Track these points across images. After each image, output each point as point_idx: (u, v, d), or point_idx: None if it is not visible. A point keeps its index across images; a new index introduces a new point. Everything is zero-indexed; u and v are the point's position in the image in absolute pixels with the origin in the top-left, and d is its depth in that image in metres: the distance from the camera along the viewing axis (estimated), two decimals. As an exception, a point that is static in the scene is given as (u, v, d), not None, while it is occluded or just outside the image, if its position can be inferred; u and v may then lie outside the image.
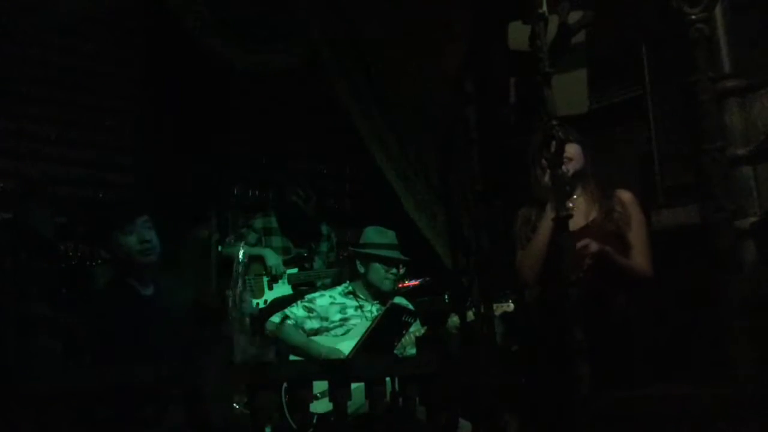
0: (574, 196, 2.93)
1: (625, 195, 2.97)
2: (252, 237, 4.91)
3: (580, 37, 2.45)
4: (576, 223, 2.88)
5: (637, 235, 2.88)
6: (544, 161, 2.75)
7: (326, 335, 3.84)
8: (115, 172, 5.21)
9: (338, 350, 3.72)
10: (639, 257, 2.86)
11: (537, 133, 2.67)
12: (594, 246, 2.74)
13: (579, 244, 2.67)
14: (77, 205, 4.87)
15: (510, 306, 3.74)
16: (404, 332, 3.72)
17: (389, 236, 4.05)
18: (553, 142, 2.22)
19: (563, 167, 2.73)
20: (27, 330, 3.56)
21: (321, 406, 3.29)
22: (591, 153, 2.99)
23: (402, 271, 4.16)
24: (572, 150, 2.87)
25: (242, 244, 4.72)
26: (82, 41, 5.13)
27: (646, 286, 2.86)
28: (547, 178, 2.78)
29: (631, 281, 2.84)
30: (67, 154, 5.02)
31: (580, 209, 2.92)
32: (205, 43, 4.62)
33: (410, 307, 3.90)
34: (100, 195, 5.07)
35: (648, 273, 2.85)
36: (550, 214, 2.67)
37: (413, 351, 3.52)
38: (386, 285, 3.95)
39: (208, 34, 4.59)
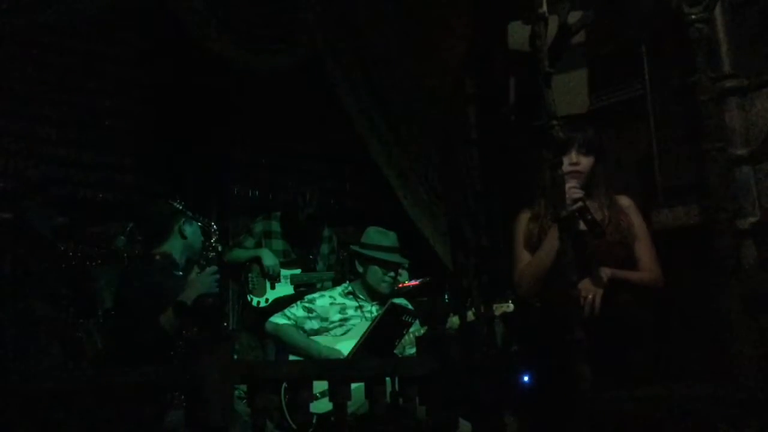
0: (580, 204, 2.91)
1: (625, 200, 2.97)
2: (250, 242, 4.92)
3: (580, 37, 2.45)
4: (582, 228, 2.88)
5: (643, 241, 2.89)
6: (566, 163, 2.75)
7: (326, 335, 3.84)
8: (115, 173, 5.21)
9: (337, 350, 3.72)
10: (648, 263, 2.86)
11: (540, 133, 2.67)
12: (603, 280, 2.72)
13: (587, 297, 2.67)
14: (77, 205, 4.88)
15: (510, 306, 3.74)
16: (404, 332, 3.72)
17: (391, 238, 4.05)
18: (553, 142, 2.22)
19: (573, 181, 2.74)
20: (27, 330, 3.56)
21: (321, 406, 3.29)
22: (604, 160, 2.99)
23: (401, 276, 4.16)
24: (585, 163, 2.88)
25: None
26: (82, 41, 5.14)
27: (657, 290, 2.86)
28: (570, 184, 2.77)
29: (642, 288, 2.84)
30: (67, 154, 5.03)
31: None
32: (205, 43, 4.62)
33: (410, 307, 3.90)
34: (100, 195, 5.07)
35: (660, 281, 2.85)
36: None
37: (413, 351, 3.52)
38: (383, 288, 3.94)
39: (208, 34, 4.59)
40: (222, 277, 3.37)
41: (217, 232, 3.60)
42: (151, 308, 3.05)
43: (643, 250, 2.88)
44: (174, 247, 3.35)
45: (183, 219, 3.39)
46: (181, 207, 3.38)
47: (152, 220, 3.40)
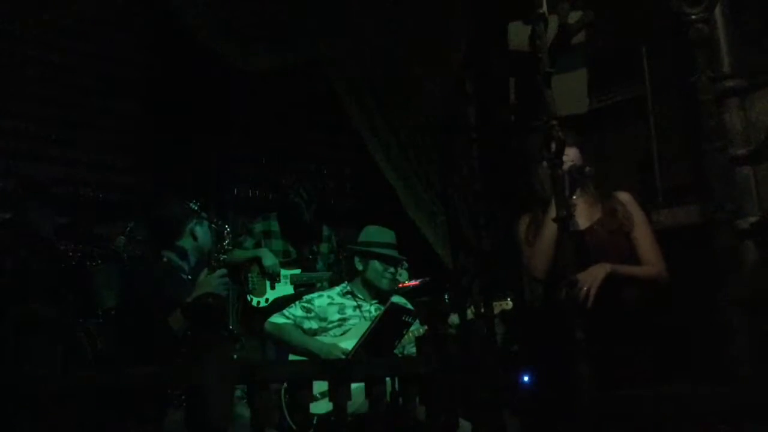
0: (574, 197, 2.92)
1: (624, 195, 2.97)
2: (249, 243, 4.92)
3: (580, 37, 2.45)
4: (579, 224, 2.89)
5: (642, 233, 2.87)
6: (545, 161, 2.75)
7: (325, 335, 3.84)
8: (116, 173, 5.21)
9: (339, 346, 3.72)
10: (649, 255, 2.85)
11: (537, 133, 2.67)
12: (602, 273, 2.72)
13: (583, 288, 2.66)
14: (77, 205, 4.88)
15: (509, 304, 3.74)
16: (404, 332, 3.72)
17: (389, 235, 4.06)
18: (553, 142, 2.22)
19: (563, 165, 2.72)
20: (27, 330, 3.56)
21: (321, 407, 3.28)
22: (588, 155, 2.99)
23: (401, 275, 4.16)
24: (570, 153, 2.87)
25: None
26: (83, 41, 5.14)
27: (661, 285, 2.85)
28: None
29: (647, 283, 2.83)
30: (67, 154, 5.02)
31: (581, 210, 2.92)
32: (205, 43, 4.62)
33: (409, 306, 3.90)
34: (100, 195, 5.07)
35: (663, 272, 2.84)
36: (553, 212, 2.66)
37: (413, 350, 3.53)
38: (384, 283, 3.95)
39: (208, 35, 4.59)
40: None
41: (230, 234, 3.61)
42: (159, 309, 3.05)
43: (645, 243, 2.87)
44: (185, 248, 3.34)
45: (195, 220, 3.37)
46: (195, 207, 3.36)
47: (165, 221, 3.38)
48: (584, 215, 2.93)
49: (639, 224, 2.89)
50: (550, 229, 2.77)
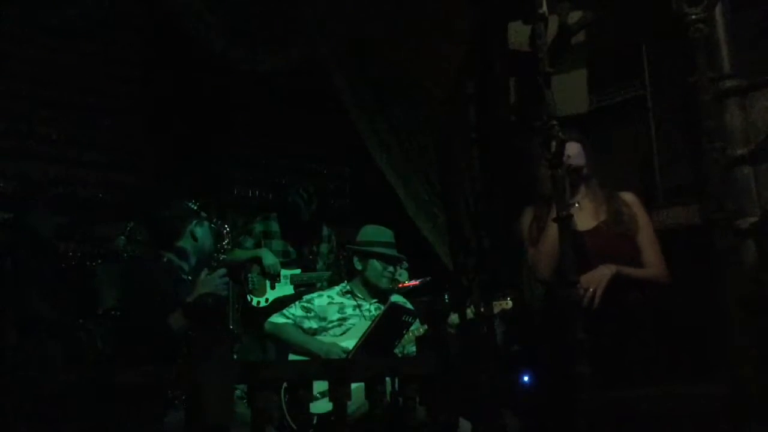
0: (578, 196, 2.92)
1: (628, 196, 2.97)
2: (249, 243, 4.93)
3: (580, 37, 2.45)
4: (585, 223, 2.89)
5: (646, 235, 2.89)
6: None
7: (325, 335, 3.84)
8: (116, 173, 5.22)
9: (339, 345, 3.72)
10: (652, 258, 2.85)
11: (539, 132, 2.67)
12: (607, 275, 2.72)
13: (588, 289, 2.66)
14: (77, 205, 4.88)
15: (508, 303, 3.74)
16: (404, 332, 3.72)
17: (387, 234, 4.06)
18: (553, 142, 2.22)
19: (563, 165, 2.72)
20: (27, 330, 3.57)
21: (321, 406, 3.29)
22: (592, 153, 2.99)
23: (401, 275, 4.16)
24: (572, 149, 2.87)
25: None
26: (84, 42, 5.14)
27: (664, 287, 2.85)
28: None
29: (649, 285, 2.84)
30: (68, 154, 5.03)
31: (587, 210, 2.92)
32: (206, 43, 4.62)
33: (410, 306, 3.90)
34: (100, 195, 5.08)
35: (666, 275, 2.85)
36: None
37: (413, 349, 3.52)
38: (383, 282, 3.95)
39: (209, 35, 4.59)
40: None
41: (229, 234, 3.61)
42: (159, 309, 3.05)
43: (648, 246, 2.88)
44: (185, 248, 3.35)
45: (195, 221, 3.37)
46: (195, 208, 3.37)
47: (165, 221, 3.38)
48: (591, 215, 2.93)
49: (643, 226, 2.90)
50: (554, 230, 2.77)
